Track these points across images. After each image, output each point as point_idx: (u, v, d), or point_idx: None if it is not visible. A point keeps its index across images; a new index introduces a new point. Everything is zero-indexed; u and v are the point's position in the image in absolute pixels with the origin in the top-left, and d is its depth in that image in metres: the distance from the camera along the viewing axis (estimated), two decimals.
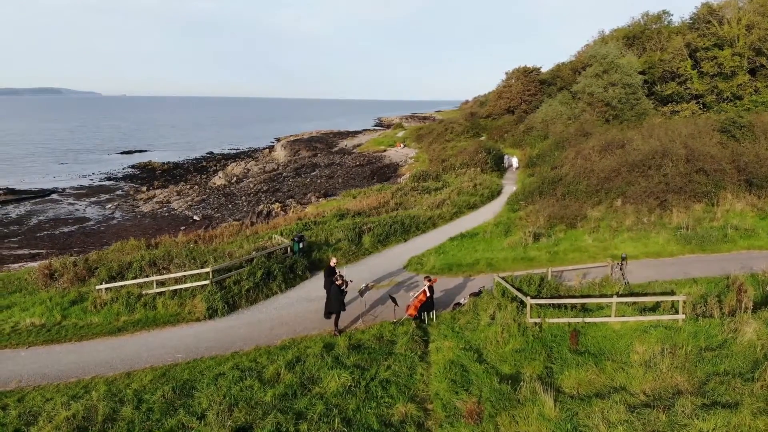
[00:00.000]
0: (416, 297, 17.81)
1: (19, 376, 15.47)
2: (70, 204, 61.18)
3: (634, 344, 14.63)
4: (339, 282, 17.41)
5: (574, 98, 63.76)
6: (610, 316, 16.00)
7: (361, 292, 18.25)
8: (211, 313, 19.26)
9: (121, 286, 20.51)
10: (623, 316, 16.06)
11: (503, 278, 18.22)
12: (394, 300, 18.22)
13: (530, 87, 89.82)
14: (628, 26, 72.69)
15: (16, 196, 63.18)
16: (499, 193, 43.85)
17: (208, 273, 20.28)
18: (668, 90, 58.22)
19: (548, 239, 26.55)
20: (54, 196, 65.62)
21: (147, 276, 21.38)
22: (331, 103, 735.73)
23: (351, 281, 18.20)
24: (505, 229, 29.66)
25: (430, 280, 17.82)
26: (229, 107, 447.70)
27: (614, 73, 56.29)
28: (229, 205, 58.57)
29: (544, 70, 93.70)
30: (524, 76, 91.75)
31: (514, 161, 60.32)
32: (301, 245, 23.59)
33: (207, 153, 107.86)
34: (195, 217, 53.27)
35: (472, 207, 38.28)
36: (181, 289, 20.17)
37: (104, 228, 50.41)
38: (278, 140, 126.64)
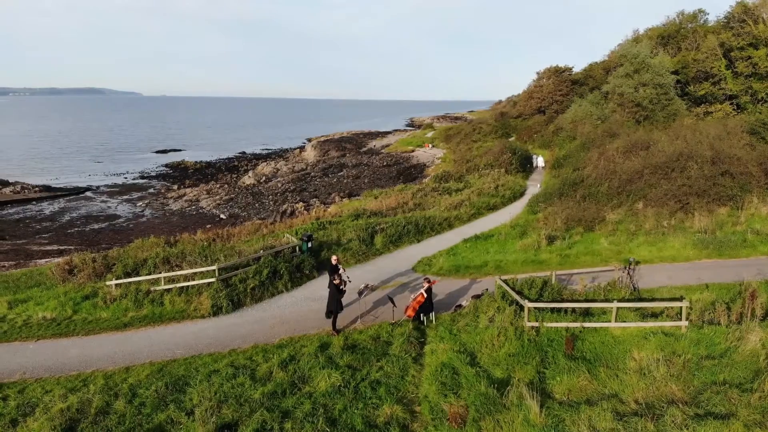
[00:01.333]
0: (415, 298, 17.70)
1: (24, 368, 15.93)
2: (103, 201, 62.73)
3: (632, 351, 14.24)
4: (337, 281, 17.42)
5: (605, 98, 62.53)
6: (610, 321, 15.62)
7: (360, 293, 18.23)
8: (216, 311, 19.51)
9: (130, 283, 20.94)
10: (624, 321, 15.66)
11: (505, 281, 17.96)
12: (392, 301, 18.16)
13: (561, 87, 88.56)
14: (663, 25, 70.97)
15: (52, 193, 65.07)
16: (522, 194, 43.35)
17: (214, 271, 20.54)
18: (702, 90, 56.59)
19: (563, 242, 26.10)
20: (88, 193, 67.35)
21: (159, 273, 21.74)
22: (366, 103, 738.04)
23: (350, 281, 18.19)
24: (521, 231, 29.30)
25: (429, 282, 17.70)
26: (265, 108, 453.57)
27: (645, 73, 54.97)
28: (256, 204, 59.28)
29: (577, 69, 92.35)
30: (556, 76, 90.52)
31: (540, 161, 59.77)
32: (309, 245, 23.71)
33: (239, 153, 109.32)
34: (222, 216, 54.05)
35: (492, 208, 37.94)
36: (188, 286, 20.50)
37: (133, 225, 51.56)
38: (309, 140, 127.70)
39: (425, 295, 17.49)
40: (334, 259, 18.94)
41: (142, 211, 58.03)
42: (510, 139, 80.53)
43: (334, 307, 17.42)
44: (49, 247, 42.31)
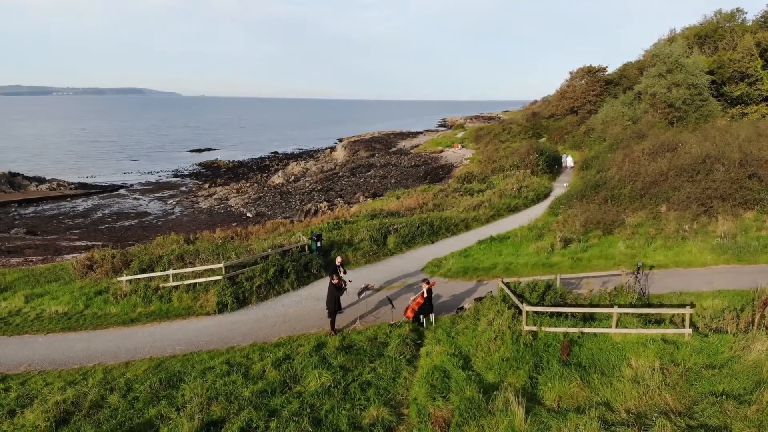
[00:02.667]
0: (414, 300, 17.58)
1: (30, 360, 16.40)
2: (135, 199, 64.06)
3: (629, 358, 13.84)
4: (336, 281, 17.42)
5: (637, 99, 61.08)
6: (610, 327, 15.21)
7: (359, 293, 18.18)
8: (221, 308, 19.75)
9: (140, 279, 21.33)
10: (625, 327, 15.22)
11: (507, 284, 17.67)
12: (390, 302, 18.08)
13: (595, 87, 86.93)
14: (700, 24, 68.98)
15: (86, 190, 66.73)
16: (546, 195, 42.69)
17: (221, 269, 20.78)
18: (737, 91, 54.78)
19: (579, 245, 25.58)
20: (122, 191, 68.90)
21: (171, 270, 22.08)
22: (399, 104, 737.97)
23: (350, 281, 18.17)
24: (538, 233, 28.84)
25: (428, 283, 17.54)
26: (299, 108, 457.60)
27: (678, 73, 53.46)
28: (283, 203, 59.75)
29: (613, 69, 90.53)
30: (589, 76, 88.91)
31: (570, 161, 58.85)
32: (318, 244, 23.78)
33: (272, 152, 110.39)
34: (248, 214, 54.63)
35: (513, 210, 37.47)
36: (196, 283, 20.79)
37: (162, 223, 52.49)
38: (340, 141, 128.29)
39: (425, 297, 17.35)
40: (338, 260, 18.97)
41: (172, 208, 59.06)
42: (541, 140, 79.40)
43: (333, 306, 17.41)
44: (78, 243, 43.41)
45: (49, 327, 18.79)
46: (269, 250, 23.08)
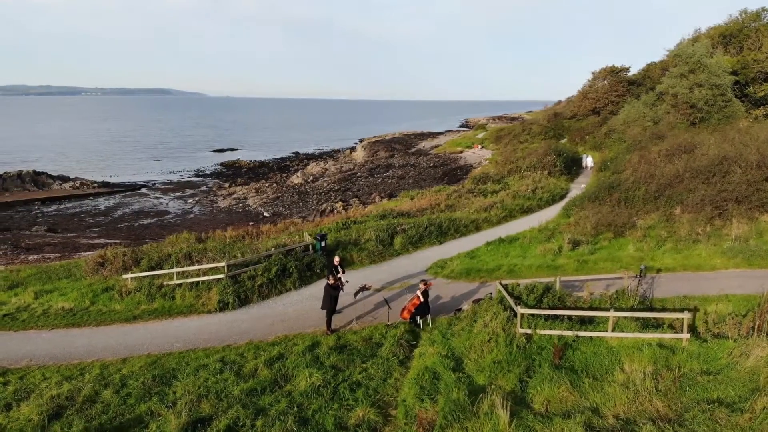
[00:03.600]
0: (411, 300, 17.51)
1: (32, 355, 16.72)
2: (156, 198, 64.87)
3: (623, 363, 13.59)
4: (332, 281, 17.43)
5: (659, 99, 59.98)
6: (606, 330, 14.96)
7: (356, 293, 18.18)
8: (222, 306, 19.92)
9: (144, 277, 21.60)
10: (622, 331, 14.95)
11: (505, 285, 17.49)
12: (387, 302, 18.02)
13: (617, 87, 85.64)
14: (725, 24, 67.40)
15: (109, 189, 67.79)
16: (562, 197, 42.15)
17: (223, 267, 20.96)
18: (761, 92, 53.42)
19: (587, 247, 25.22)
20: (143, 190, 69.82)
21: (175, 268, 22.31)
22: (422, 104, 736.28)
23: (347, 281, 18.17)
24: (548, 235, 28.52)
25: (426, 284, 17.46)
26: (322, 109, 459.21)
27: (701, 73, 52.35)
28: (300, 203, 60.03)
29: (636, 69, 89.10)
30: (611, 76, 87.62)
31: (590, 161, 58.22)
32: (322, 244, 23.83)
33: (293, 152, 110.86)
34: (265, 214, 54.99)
35: (526, 211, 37.09)
36: (199, 281, 21.00)
37: (180, 221, 53.08)
38: (361, 141, 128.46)
39: (421, 298, 17.28)
40: (336, 259, 19.00)
41: (191, 207, 59.71)
42: (562, 141, 78.54)
43: (329, 306, 17.43)
44: (96, 241, 44.16)
45: (54, 323, 19.15)
46: (272, 249, 23.19)
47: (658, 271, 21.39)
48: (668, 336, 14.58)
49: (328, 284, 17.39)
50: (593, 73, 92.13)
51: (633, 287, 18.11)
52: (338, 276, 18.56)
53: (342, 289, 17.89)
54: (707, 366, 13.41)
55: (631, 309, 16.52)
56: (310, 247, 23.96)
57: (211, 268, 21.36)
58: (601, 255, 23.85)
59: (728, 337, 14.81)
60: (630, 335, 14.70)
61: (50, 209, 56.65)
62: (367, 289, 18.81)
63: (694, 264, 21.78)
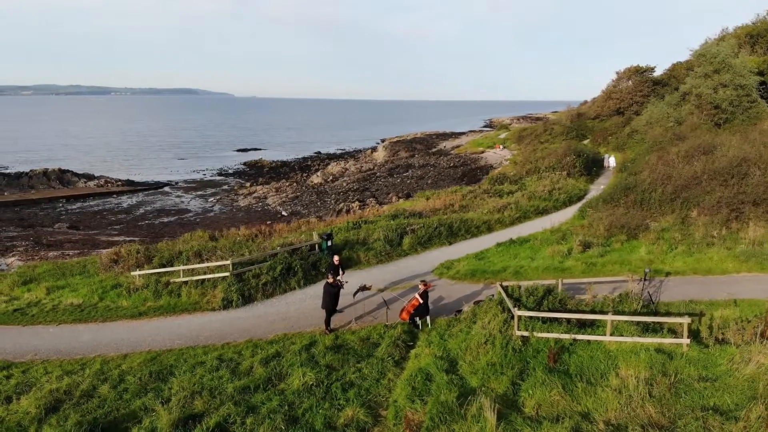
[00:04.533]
0: (410, 301, 17.46)
1: (37, 349, 17.10)
2: (178, 196, 65.73)
3: (619, 367, 13.34)
4: (331, 281, 17.46)
5: (683, 100, 58.83)
6: (604, 334, 14.71)
7: (355, 293, 18.20)
8: (226, 304, 20.11)
9: (151, 274, 21.89)
10: (621, 335, 14.69)
11: (505, 287, 17.32)
12: (386, 303, 18.00)
13: (642, 87, 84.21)
14: (753, 24, 65.80)
15: (132, 187, 68.86)
16: (579, 198, 41.59)
17: (228, 265, 21.15)
18: None
19: (597, 249, 24.86)
20: (166, 188, 70.81)
21: (184, 265, 22.58)
22: (446, 104, 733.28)
23: (347, 281, 18.21)
24: (560, 236, 28.16)
25: (425, 285, 17.39)
26: (346, 109, 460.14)
27: (725, 73, 51.19)
28: (318, 203, 60.34)
29: (662, 69, 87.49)
30: (636, 76, 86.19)
31: (612, 161, 57.58)
32: (329, 243, 23.89)
33: (315, 152, 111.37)
34: (284, 213, 55.35)
35: (541, 212, 36.69)
36: (205, 279, 21.22)
37: (200, 219, 53.71)
38: (383, 141, 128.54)
39: (420, 299, 17.21)
40: (335, 259, 19.04)
41: (212, 206, 60.36)
42: (584, 142, 77.61)
43: (328, 305, 17.47)
44: (116, 238, 44.90)
45: (62, 318, 19.55)
46: (278, 248, 23.33)
47: (667, 274, 20.98)
48: (668, 341, 14.28)
49: (327, 283, 17.44)
50: (617, 72, 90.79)
51: (637, 290, 17.77)
52: (337, 276, 18.63)
53: (341, 288, 17.92)
54: (706, 372, 13.09)
55: (631, 313, 16.22)
56: (317, 246, 24.04)
57: (217, 266, 21.56)
58: (611, 257, 23.49)
59: (731, 343, 14.46)
60: (629, 339, 14.44)
61: (74, 207, 57.74)
62: (367, 288, 18.80)
63: (705, 268, 21.30)
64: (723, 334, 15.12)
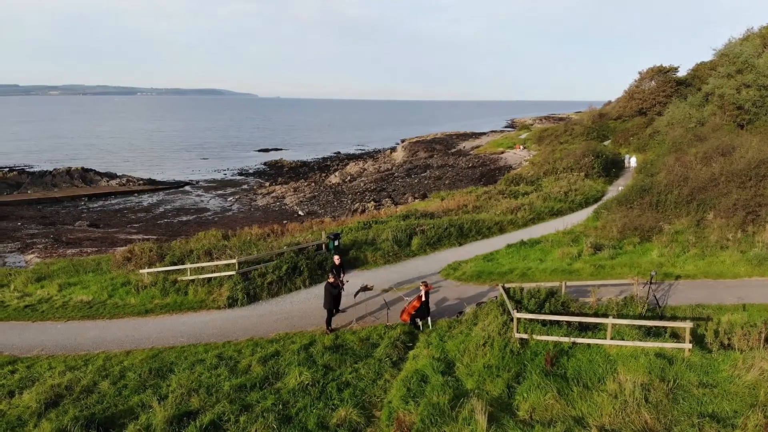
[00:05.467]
0: (410, 303, 17.39)
1: (43, 345, 17.40)
2: (198, 195, 66.40)
3: (618, 372, 13.11)
4: (332, 280, 17.48)
5: (706, 100, 57.74)
6: (605, 338, 14.47)
7: (356, 294, 18.20)
8: (231, 303, 20.26)
9: (159, 272, 22.14)
10: (622, 339, 14.44)
11: (507, 289, 17.15)
12: (386, 303, 17.96)
13: (665, 88, 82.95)
14: None
15: (154, 186, 69.70)
16: (596, 200, 41.04)
17: (234, 264, 21.31)
18: None
19: (608, 251, 24.49)
20: (187, 188, 71.52)
21: (191, 264, 22.78)
22: (469, 104, 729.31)
23: (347, 281, 18.21)
24: (573, 238, 27.79)
25: (426, 286, 17.31)
26: (370, 109, 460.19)
27: (748, 74, 50.05)
28: (335, 203, 60.50)
29: (686, 69, 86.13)
30: (659, 76, 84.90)
31: (633, 161, 56.94)
32: (336, 243, 23.92)
33: (334, 153, 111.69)
34: (300, 212, 55.60)
35: (556, 214, 36.28)
36: (212, 277, 21.41)
37: (218, 218, 54.20)
38: (402, 141, 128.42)
39: (421, 300, 17.14)
40: (336, 259, 19.07)
41: (231, 205, 60.85)
42: (605, 143, 76.71)
43: (329, 305, 17.50)
44: (134, 236, 45.50)
45: (70, 315, 19.87)
46: (285, 247, 23.44)
47: (677, 277, 20.59)
48: (669, 345, 14.00)
49: (328, 283, 17.47)
50: (640, 72, 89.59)
51: (643, 294, 17.48)
52: (339, 276, 18.67)
53: (342, 288, 17.94)
54: (707, 378, 12.81)
55: (633, 317, 15.94)
56: (324, 246, 24.09)
57: (224, 265, 21.73)
58: (621, 260, 23.12)
59: (736, 349, 14.13)
60: (629, 343, 14.19)
61: (96, 205, 58.66)
62: (369, 289, 18.78)
63: (716, 271, 20.86)
64: (728, 339, 14.77)
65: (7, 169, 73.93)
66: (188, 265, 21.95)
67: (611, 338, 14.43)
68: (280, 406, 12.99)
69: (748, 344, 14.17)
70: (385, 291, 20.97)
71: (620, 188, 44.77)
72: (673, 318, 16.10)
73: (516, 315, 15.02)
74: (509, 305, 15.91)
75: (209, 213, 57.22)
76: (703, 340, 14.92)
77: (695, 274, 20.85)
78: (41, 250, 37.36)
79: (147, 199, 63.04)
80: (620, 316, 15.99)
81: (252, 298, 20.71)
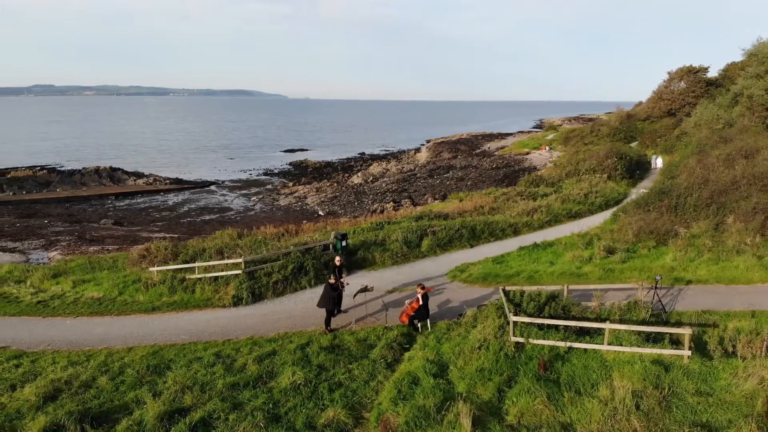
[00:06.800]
0: (410, 304, 17.32)
1: (50, 340, 17.80)
2: (222, 195, 67.18)
3: (613, 378, 12.85)
4: (332, 281, 17.51)
5: (735, 101, 56.34)
6: (602, 343, 14.20)
7: (355, 295, 18.20)
8: (236, 301, 20.46)
9: (168, 270, 22.45)
10: (620, 345, 14.15)
11: (507, 292, 16.94)
12: (385, 305, 17.92)
13: (695, 88, 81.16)
14: None
15: (180, 186, 70.78)
16: (617, 202, 40.30)
17: (240, 263, 21.51)
18: None
19: (621, 255, 24.03)
20: (212, 187, 72.41)
21: (199, 262, 23.03)
22: (496, 104, 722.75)
23: (348, 283, 18.25)
24: (587, 241, 27.33)
25: (423, 288, 17.22)
26: (396, 110, 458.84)
27: None
28: (355, 203, 60.62)
29: (716, 69, 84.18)
30: (688, 76, 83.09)
31: (659, 162, 55.92)
32: (343, 243, 23.95)
33: (359, 153, 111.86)
34: (320, 212, 55.85)
35: (573, 216, 35.75)
36: (219, 276, 21.65)
37: (240, 218, 54.75)
38: (427, 142, 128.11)
39: (420, 302, 17.06)
40: (337, 260, 19.10)
41: (253, 205, 61.40)
42: (632, 144, 75.39)
43: (329, 306, 17.53)
44: (156, 235, 46.15)
45: (80, 311, 20.29)
46: (291, 247, 23.58)
47: (688, 282, 20.10)
48: (667, 352, 13.67)
49: (328, 283, 17.50)
50: (669, 73, 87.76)
51: (648, 298, 17.11)
52: (339, 277, 18.73)
53: (342, 289, 17.98)
54: (703, 386, 12.47)
55: (632, 322, 15.61)
56: (331, 246, 24.15)
57: (231, 264, 21.95)
58: (632, 264, 22.68)
59: (738, 356, 13.74)
60: (627, 349, 13.90)
61: (122, 204, 59.79)
62: (369, 290, 18.76)
63: (729, 277, 20.28)
64: (733, 346, 14.37)
65: (38, 167, 75.97)
66: (196, 264, 22.23)
67: (609, 343, 14.16)
68: (270, 405, 13.06)
69: (751, 352, 13.77)
70: (389, 292, 20.92)
71: (643, 191, 43.94)
72: (677, 324, 15.72)
73: (512, 318, 14.84)
74: (507, 308, 15.72)
75: (232, 212, 57.81)
76: (706, 347, 14.54)
77: (707, 279, 20.32)
78: (64, 248, 38.23)
79: (172, 198, 63.96)
80: (621, 321, 15.68)
81: (257, 297, 20.87)
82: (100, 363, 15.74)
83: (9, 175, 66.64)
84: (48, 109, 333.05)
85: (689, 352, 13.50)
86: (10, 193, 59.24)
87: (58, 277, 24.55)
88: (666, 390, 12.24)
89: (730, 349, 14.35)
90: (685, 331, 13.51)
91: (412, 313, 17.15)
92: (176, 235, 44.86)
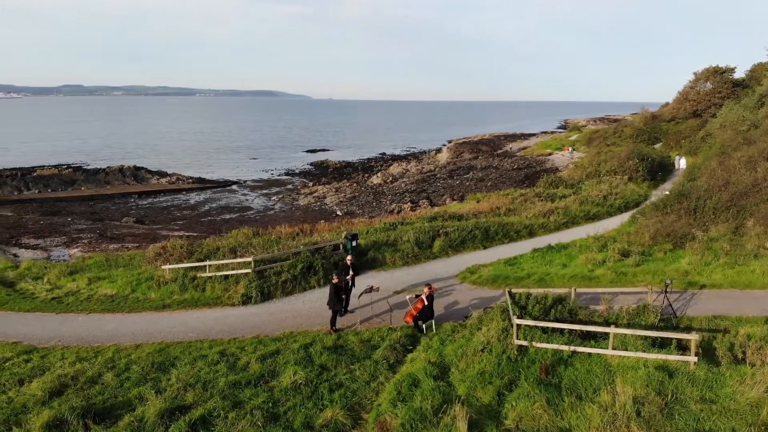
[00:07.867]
0: (414, 304, 17.24)
1: (61, 336, 18.12)
2: (243, 194, 67.76)
3: (616, 383, 12.63)
4: (336, 281, 17.52)
5: (761, 102, 55.10)
6: (606, 348, 13.96)
7: (360, 295, 18.19)
8: (245, 300, 20.60)
9: (179, 268, 22.70)
10: (625, 349, 13.90)
11: (512, 294, 16.78)
12: (389, 305, 17.87)
13: (721, 89, 79.51)
14: None
15: (202, 185, 71.57)
16: (637, 204, 39.69)
17: (250, 262, 21.66)
18: None
19: (635, 258, 23.64)
20: (234, 186, 73.05)
21: (210, 261, 23.24)
22: (519, 105, 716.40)
23: (353, 285, 18.26)
24: (602, 244, 26.93)
25: (430, 288, 17.13)
26: (417, 110, 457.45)
27: None
28: (374, 203, 60.65)
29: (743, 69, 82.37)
30: (714, 77, 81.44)
31: (683, 163, 55.05)
32: (354, 243, 23.97)
33: (379, 153, 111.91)
34: (338, 212, 56.01)
35: (591, 218, 35.30)
36: (229, 275, 21.83)
37: (259, 217, 55.15)
38: (449, 142, 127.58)
39: (425, 302, 16.97)
40: (348, 259, 19.11)
41: (273, 205, 61.81)
42: (656, 145, 74.21)
43: (334, 305, 17.55)
44: (176, 233, 46.72)
45: (93, 308, 20.62)
46: (301, 247, 23.67)
47: (702, 287, 19.66)
48: (673, 357, 13.39)
49: (332, 283, 17.53)
50: (695, 73, 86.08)
51: (659, 302, 16.79)
52: (348, 276, 18.76)
53: (353, 286, 18.03)
54: (708, 393, 12.19)
55: (642, 326, 15.31)
56: (341, 246, 24.19)
57: (242, 263, 22.11)
58: (646, 267, 22.27)
59: (747, 363, 13.40)
60: (631, 354, 13.65)
61: (145, 202, 60.65)
62: (375, 290, 18.72)
63: (744, 281, 19.78)
64: (743, 353, 14.02)
65: (64, 166, 77.47)
66: (207, 263, 22.45)
67: (614, 348, 13.93)
68: (270, 405, 13.11)
69: (761, 359, 13.41)
70: (398, 293, 20.87)
71: (665, 192, 43.22)
72: (686, 329, 15.38)
73: (515, 321, 14.69)
74: (511, 311, 15.56)
75: (252, 212, 58.24)
76: (715, 353, 14.21)
77: (722, 283, 19.86)
78: (85, 245, 38.92)
79: (194, 197, 64.66)
80: (629, 325, 15.41)
81: (266, 296, 21.00)
82: (107, 359, 15.98)
83: (35, 173, 68.09)
84: (76, 109, 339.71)
85: (695, 358, 13.22)
86: (36, 191, 60.52)
87: (74, 274, 25.00)
88: (669, 396, 12.00)
89: (740, 356, 13.98)
90: (692, 337, 13.21)
91: (416, 314, 17.07)
92: (195, 234, 45.26)
